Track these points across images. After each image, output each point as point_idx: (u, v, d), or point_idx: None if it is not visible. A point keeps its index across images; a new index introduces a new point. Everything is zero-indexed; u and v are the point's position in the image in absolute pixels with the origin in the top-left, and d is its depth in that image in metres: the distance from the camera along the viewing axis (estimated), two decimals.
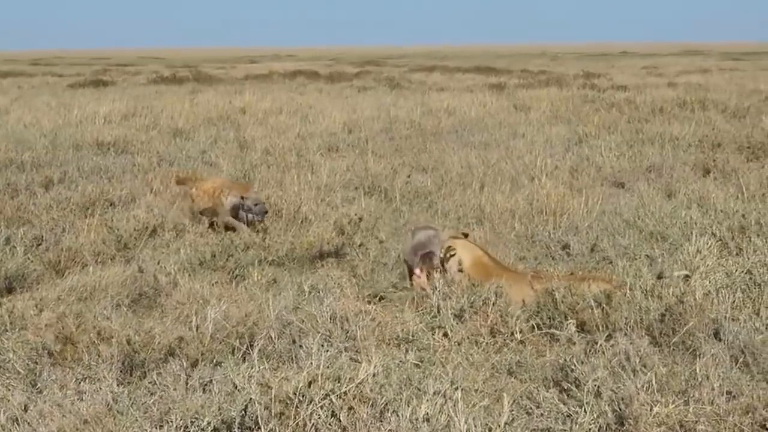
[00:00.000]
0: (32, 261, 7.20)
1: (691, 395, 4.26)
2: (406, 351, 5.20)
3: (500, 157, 12.40)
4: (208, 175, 9.96)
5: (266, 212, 8.44)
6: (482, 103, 19.82)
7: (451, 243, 6.45)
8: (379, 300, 6.21)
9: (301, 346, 5.00)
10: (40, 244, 7.65)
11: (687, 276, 6.08)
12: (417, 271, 6.31)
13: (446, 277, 6.09)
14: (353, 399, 4.15)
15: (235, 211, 8.46)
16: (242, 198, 8.43)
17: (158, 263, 6.97)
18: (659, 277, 5.95)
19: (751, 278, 6.07)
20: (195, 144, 13.93)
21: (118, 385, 4.58)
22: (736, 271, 6.24)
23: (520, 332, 5.40)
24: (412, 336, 5.43)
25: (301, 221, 8.61)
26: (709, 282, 5.91)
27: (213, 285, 6.49)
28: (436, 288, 5.92)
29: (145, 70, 46.84)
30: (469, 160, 12.23)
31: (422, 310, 5.80)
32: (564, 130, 15.42)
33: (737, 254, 6.96)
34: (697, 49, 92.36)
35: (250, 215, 8.48)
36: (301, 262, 7.41)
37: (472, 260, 6.32)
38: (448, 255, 6.30)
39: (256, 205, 8.38)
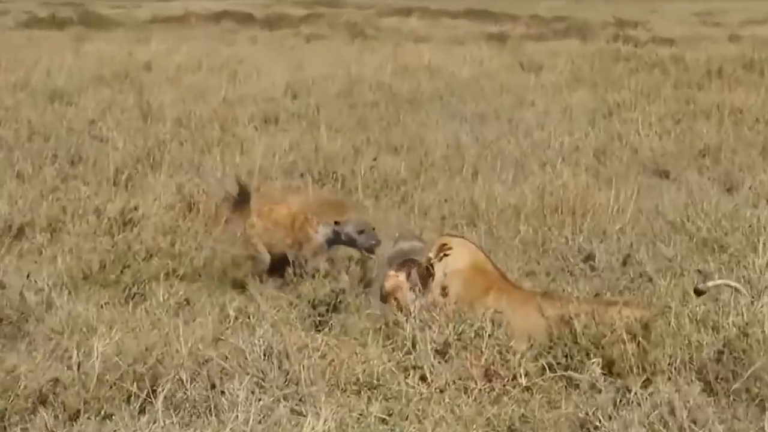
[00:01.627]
0: None
1: None
2: (369, 400, 5.17)
3: (501, 133, 12.38)
4: (282, 193, 8.73)
5: (377, 243, 7.42)
6: (477, 60, 19.78)
7: (445, 240, 6.42)
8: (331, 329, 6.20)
9: (223, 392, 4.94)
10: None
11: (736, 289, 6.12)
12: (392, 271, 6.27)
13: (429, 295, 6.06)
14: None
15: (329, 247, 7.72)
16: (336, 224, 7.54)
17: (27, 276, 6.77)
18: (696, 292, 5.96)
19: None
20: (80, 111, 13.72)
21: None
22: None
23: (526, 375, 5.35)
24: (378, 379, 5.38)
25: (225, 221, 8.50)
26: None
27: (102, 307, 6.42)
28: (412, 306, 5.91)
29: (14, 8, 46.24)
30: (459, 137, 12.12)
31: (392, 343, 5.78)
32: (588, 97, 15.46)
33: None
34: None
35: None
36: (225, 277, 7.35)
37: (472, 263, 6.30)
38: (441, 254, 6.27)
39: (360, 232, 7.41)
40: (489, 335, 5.59)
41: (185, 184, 9.34)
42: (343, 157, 10.89)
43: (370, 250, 7.45)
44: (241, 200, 8.02)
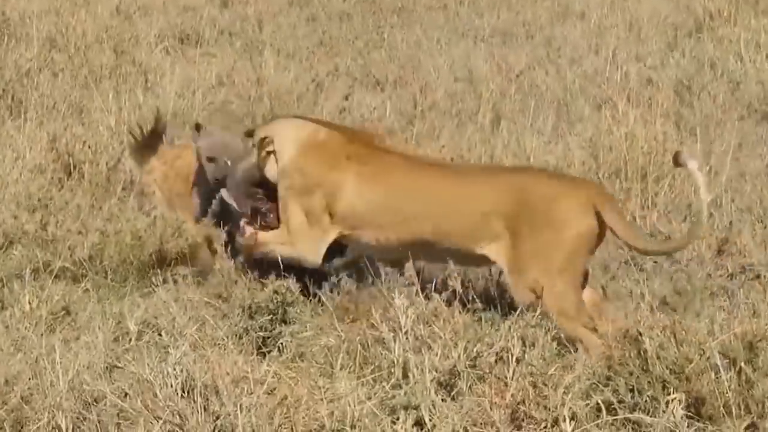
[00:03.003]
0: None
1: None
2: None
3: (534, 59, 12.72)
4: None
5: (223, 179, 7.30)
6: None
7: (261, 131, 6.33)
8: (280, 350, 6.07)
9: None
10: None
11: None
12: (243, 224, 6.24)
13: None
14: None
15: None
16: (197, 128, 7.67)
17: None
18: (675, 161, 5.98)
19: None
20: None
21: None
22: None
23: (573, 419, 5.30)
24: (353, 426, 5.32)
25: (122, 188, 8.58)
26: None
27: None
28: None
29: None
30: (472, 64, 12.32)
31: (373, 371, 5.61)
32: (666, 5, 15.59)
33: None
34: None
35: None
36: (122, 274, 7.54)
37: (301, 140, 6.18)
38: (264, 152, 6.20)
39: (210, 160, 7.52)
40: (517, 360, 5.52)
41: (62, 135, 9.20)
42: (299, 95, 11.02)
43: (216, 187, 7.39)
44: (151, 140, 8.16)
